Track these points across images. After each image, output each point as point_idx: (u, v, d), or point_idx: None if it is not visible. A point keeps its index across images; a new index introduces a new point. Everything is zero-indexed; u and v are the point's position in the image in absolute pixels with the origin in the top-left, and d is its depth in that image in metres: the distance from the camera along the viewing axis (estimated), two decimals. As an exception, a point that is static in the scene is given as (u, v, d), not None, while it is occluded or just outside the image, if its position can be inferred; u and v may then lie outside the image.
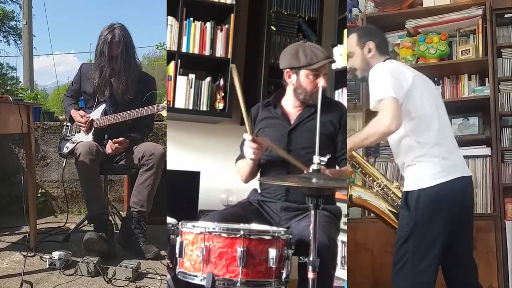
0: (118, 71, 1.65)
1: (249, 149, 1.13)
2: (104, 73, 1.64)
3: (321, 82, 1.16)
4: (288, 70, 1.19)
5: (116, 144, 1.60)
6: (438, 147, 1.15)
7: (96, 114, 1.71)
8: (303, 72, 1.17)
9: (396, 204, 1.25)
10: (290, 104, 1.24)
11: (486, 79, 1.76)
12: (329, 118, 1.19)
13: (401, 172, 1.24)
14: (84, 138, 1.69)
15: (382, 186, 1.25)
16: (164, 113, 1.55)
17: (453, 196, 1.14)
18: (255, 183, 1.27)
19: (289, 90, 1.23)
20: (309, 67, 1.15)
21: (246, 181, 1.24)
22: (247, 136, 1.12)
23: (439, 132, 1.17)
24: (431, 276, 1.13)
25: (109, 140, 1.61)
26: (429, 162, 1.14)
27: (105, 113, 1.69)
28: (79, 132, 1.73)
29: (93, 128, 1.69)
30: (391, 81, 1.14)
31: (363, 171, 1.27)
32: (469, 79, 1.81)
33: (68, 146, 1.73)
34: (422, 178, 1.14)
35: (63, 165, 2.02)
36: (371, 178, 1.27)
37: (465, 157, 1.69)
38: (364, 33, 1.29)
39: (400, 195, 1.24)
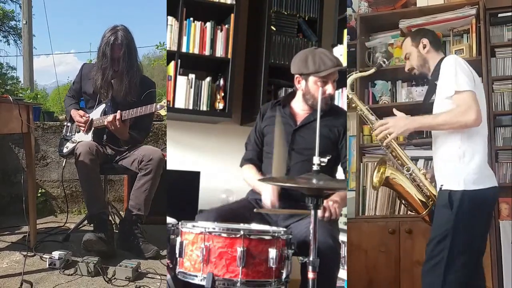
0: (120, 73, 1.65)
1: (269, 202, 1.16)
2: (106, 75, 1.65)
3: (329, 89, 1.19)
4: (297, 76, 1.23)
5: (118, 121, 1.56)
6: (482, 155, 1.18)
7: (96, 114, 1.71)
8: (311, 79, 1.20)
9: (421, 190, 1.26)
10: (299, 106, 1.27)
11: (480, 78, 1.78)
12: (335, 123, 1.23)
13: (436, 167, 1.24)
14: (84, 138, 1.69)
15: (410, 171, 1.26)
16: (163, 112, 1.54)
17: (489, 203, 1.18)
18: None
19: (299, 94, 1.26)
20: (317, 74, 1.18)
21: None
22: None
23: (484, 140, 1.20)
24: (465, 276, 1.14)
25: (118, 111, 1.58)
26: (475, 166, 1.16)
27: (104, 113, 1.69)
28: (79, 132, 1.73)
29: (93, 128, 1.69)
30: (471, 76, 1.17)
31: (393, 153, 1.29)
32: (464, 78, 1.84)
33: (68, 146, 1.73)
34: (467, 180, 1.15)
35: (63, 165, 2.02)
36: (400, 161, 1.29)
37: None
38: (416, 33, 1.34)
39: (425, 182, 1.26)
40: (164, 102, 1.56)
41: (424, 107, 1.30)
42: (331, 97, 1.22)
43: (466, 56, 1.76)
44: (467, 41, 1.80)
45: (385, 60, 1.37)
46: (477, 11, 1.75)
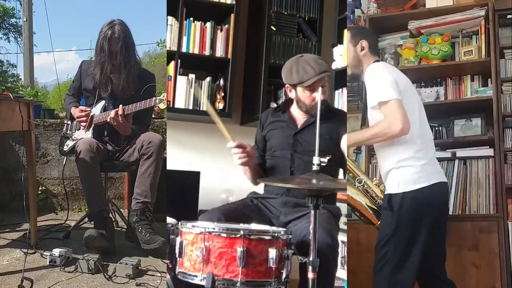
0: (118, 67, 1.65)
1: (234, 155, 1.17)
2: (105, 69, 1.64)
3: (318, 96, 1.20)
4: (287, 85, 1.25)
5: (120, 115, 1.54)
6: (422, 152, 1.19)
7: (96, 110, 1.71)
8: (299, 89, 1.22)
9: (375, 201, 1.27)
10: (297, 111, 1.29)
11: (489, 80, 1.74)
12: (335, 125, 1.24)
13: (383, 177, 1.26)
14: (84, 135, 1.69)
15: (362, 183, 1.27)
16: (162, 105, 1.52)
17: (435, 201, 1.18)
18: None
19: (294, 100, 1.29)
20: (301, 84, 1.19)
21: (255, 183, 1.28)
22: (230, 144, 1.17)
23: (423, 138, 1.20)
24: (410, 275, 1.16)
25: (120, 106, 1.56)
26: (413, 166, 1.17)
27: (104, 109, 1.68)
28: (79, 129, 1.73)
29: (93, 125, 1.68)
30: (393, 83, 1.17)
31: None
32: (472, 80, 1.80)
33: (69, 144, 1.73)
34: (406, 181, 1.16)
35: (64, 162, 2.02)
36: (351, 174, 1.29)
37: (467, 158, 1.70)
38: (357, 31, 1.33)
39: (378, 192, 1.26)
40: (164, 96, 1.55)
41: (364, 116, 1.31)
42: (323, 102, 1.21)
43: (475, 58, 1.74)
44: (476, 42, 1.78)
45: None
46: (486, 12, 1.73)
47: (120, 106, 1.58)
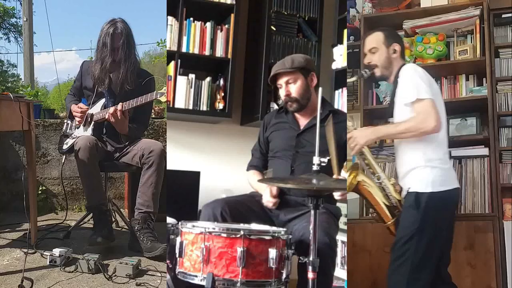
0: (118, 63, 1.65)
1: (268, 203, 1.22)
2: (105, 63, 1.65)
3: (282, 92, 1.29)
4: None
5: (119, 112, 1.55)
6: (447, 156, 1.22)
7: (96, 108, 1.71)
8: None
9: (390, 200, 1.28)
10: (300, 112, 1.31)
11: (484, 79, 1.76)
12: (341, 128, 1.26)
13: (401, 174, 1.26)
14: (83, 133, 1.69)
15: (381, 180, 1.28)
16: (163, 98, 1.52)
17: (454, 203, 1.22)
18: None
19: None
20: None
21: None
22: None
23: (445, 143, 1.24)
24: (428, 275, 1.17)
25: (120, 103, 1.57)
26: (440, 168, 1.20)
27: (104, 106, 1.69)
28: (79, 128, 1.73)
29: (93, 122, 1.69)
30: (428, 84, 1.20)
31: (366, 161, 1.31)
32: (467, 79, 1.82)
33: (68, 142, 1.73)
34: (434, 182, 1.18)
35: (62, 161, 2.02)
36: (371, 170, 1.31)
37: (463, 157, 1.72)
38: (390, 34, 1.35)
39: (392, 191, 1.28)
40: (164, 89, 1.55)
41: (389, 113, 1.32)
42: (292, 99, 1.27)
43: (470, 57, 1.75)
44: (471, 42, 1.79)
45: (366, 70, 1.36)
46: (481, 11, 1.74)
47: (120, 103, 1.59)
